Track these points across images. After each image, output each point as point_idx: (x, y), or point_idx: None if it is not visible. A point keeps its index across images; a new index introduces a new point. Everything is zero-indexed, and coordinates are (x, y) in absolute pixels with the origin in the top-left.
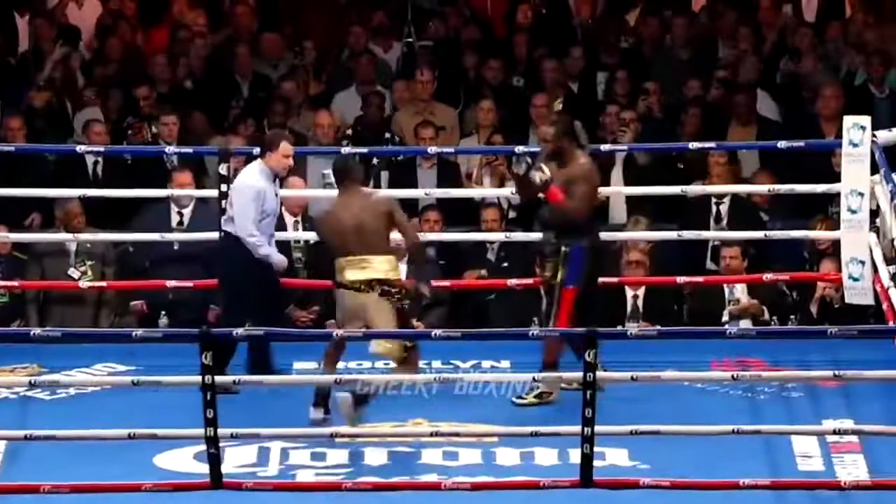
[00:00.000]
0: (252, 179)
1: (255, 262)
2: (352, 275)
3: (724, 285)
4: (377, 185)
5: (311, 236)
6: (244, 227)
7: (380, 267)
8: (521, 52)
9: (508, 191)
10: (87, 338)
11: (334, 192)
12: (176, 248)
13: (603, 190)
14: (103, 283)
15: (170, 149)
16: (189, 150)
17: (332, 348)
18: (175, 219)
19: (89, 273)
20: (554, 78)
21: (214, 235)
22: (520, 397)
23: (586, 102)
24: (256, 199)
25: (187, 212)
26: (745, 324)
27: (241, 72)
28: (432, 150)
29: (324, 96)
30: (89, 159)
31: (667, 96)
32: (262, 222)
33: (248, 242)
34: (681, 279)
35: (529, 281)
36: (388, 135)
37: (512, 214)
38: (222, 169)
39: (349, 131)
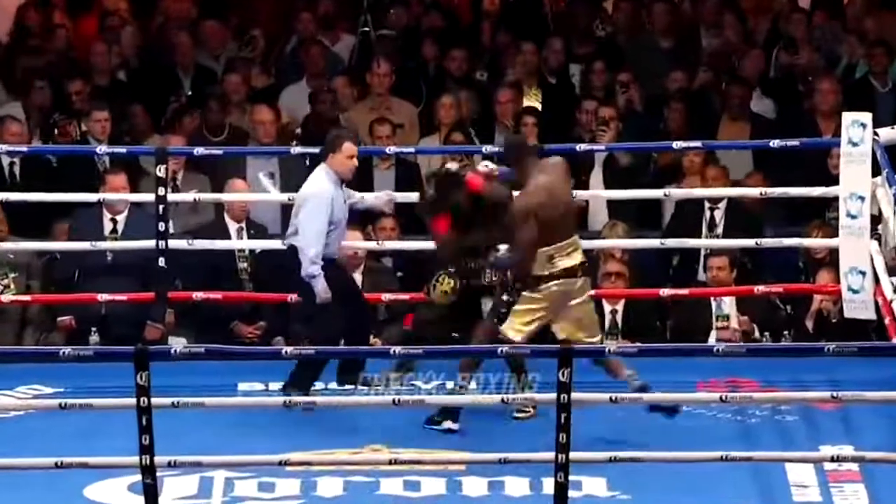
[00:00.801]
0: (321, 186)
1: (331, 270)
2: (565, 262)
3: (712, 299)
4: None
5: (258, 245)
6: (309, 240)
7: (581, 249)
8: (486, 41)
9: None
10: (9, 357)
11: (276, 196)
12: (109, 258)
13: (581, 194)
14: (27, 297)
15: (102, 148)
16: (122, 149)
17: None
18: (108, 226)
19: (12, 287)
20: (527, 70)
21: (150, 244)
22: (520, 411)
23: (561, 97)
24: (327, 206)
25: (121, 218)
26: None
27: (182, 63)
28: (391, 149)
29: (271, 90)
30: (4, 160)
31: (647, 89)
32: (331, 234)
33: (307, 257)
34: (664, 292)
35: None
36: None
37: None
38: (159, 171)
39: (298, 130)
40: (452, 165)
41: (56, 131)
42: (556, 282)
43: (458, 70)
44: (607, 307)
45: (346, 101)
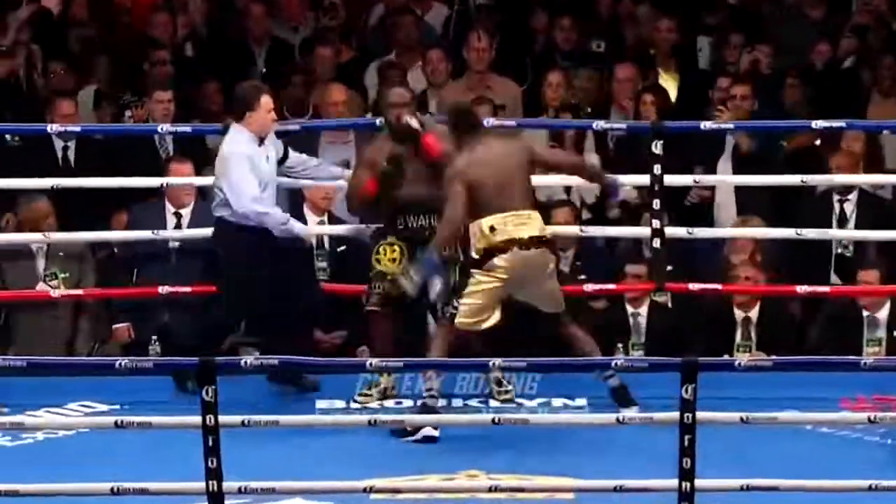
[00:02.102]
0: (236, 146)
1: (269, 246)
2: (512, 233)
3: (864, 316)
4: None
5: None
6: (244, 198)
7: (538, 224)
8: (604, 8)
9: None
10: (58, 369)
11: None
12: (174, 259)
13: (704, 179)
14: (79, 291)
15: (164, 127)
16: (187, 128)
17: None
18: (171, 221)
19: (63, 289)
20: (663, 50)
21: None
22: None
23: (688, 75)
24: (249, 164)
25: (186, 212)
26: None
27: (256, 35)
28: (491, 120)
29: (353, 66)
30: (57, 143)
31: (786, 64)
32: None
33: (256, 216)
34: (801, 288)
35: (612, 285)
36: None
37: (587, 215)
38: None
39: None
40: (413, 121)
41: (128, 114)
42: (502, 256)
43: (568, 42)
44: (739, 314)
45: (440, 78)
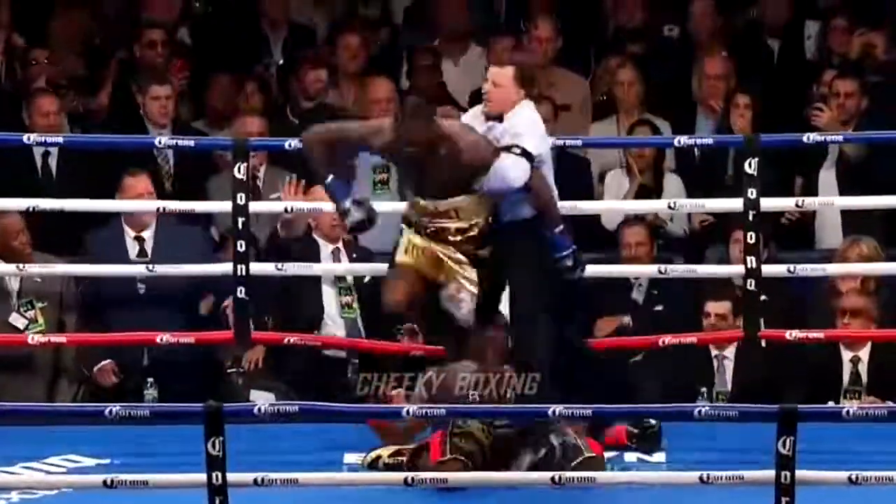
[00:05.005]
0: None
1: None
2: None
3: None
4: None
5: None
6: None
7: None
8: None
9: (664, 203)
10: (39, 416)
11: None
12: (141, 289)
13: (808, 202)
14: (62, 338)
15: (163, 140)
16: (190, 141)
17: None
18: (133, 247)
19: (40, 321)
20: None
21: (212, 268)
22: None
23: (791, 67)
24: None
25: (149, 235)
26: None
27: (272, 19)
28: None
29: (386, 57)
30: (37, 150)
31: None
32: None
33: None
34: None
35: (692, 338)
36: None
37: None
38: (238, 171)
39: None
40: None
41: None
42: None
43: (630, 20)
44: (846, 354)
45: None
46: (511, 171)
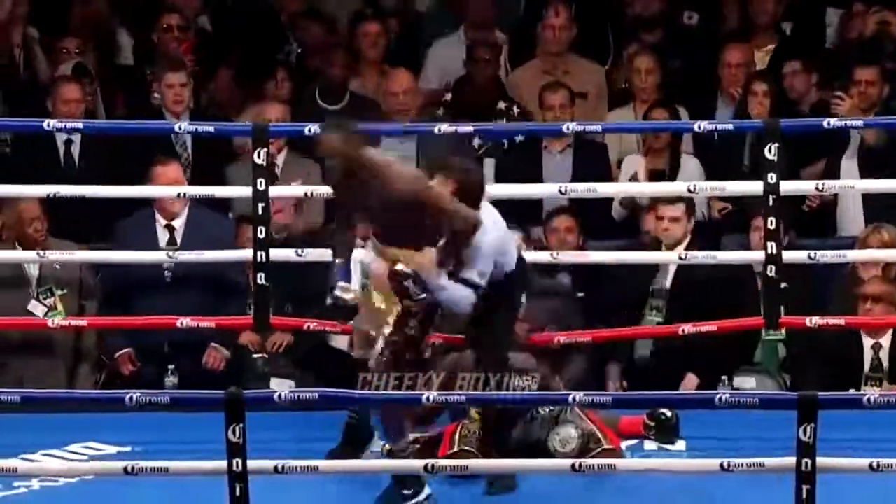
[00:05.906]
0: None
1: None
2: None
3: None
4: None
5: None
6: None
7: None
8: None
9: (684, 186)
10: (59, 403)
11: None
12: (168, 276)
13: (829, 185)
14: (83, 321)
15: (183, 125)
16: (210, 127)
17: None
18: (163, 236)
19: (59, 307)
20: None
21: (234, 255)
22: None
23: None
24: None
25: (179, 224)
26: None
27: (290, 6)
28: (569, 126)
29: (409, 46)
30: (59, 138)
31: None
32: None
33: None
34: None
35: (712, 326)
36: (501, 104)
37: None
38: (258, 156)
39: (447, 96)
40: None
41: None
42: None
43: (646, 8)
44: (867, 341)
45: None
46: (461, 302)
